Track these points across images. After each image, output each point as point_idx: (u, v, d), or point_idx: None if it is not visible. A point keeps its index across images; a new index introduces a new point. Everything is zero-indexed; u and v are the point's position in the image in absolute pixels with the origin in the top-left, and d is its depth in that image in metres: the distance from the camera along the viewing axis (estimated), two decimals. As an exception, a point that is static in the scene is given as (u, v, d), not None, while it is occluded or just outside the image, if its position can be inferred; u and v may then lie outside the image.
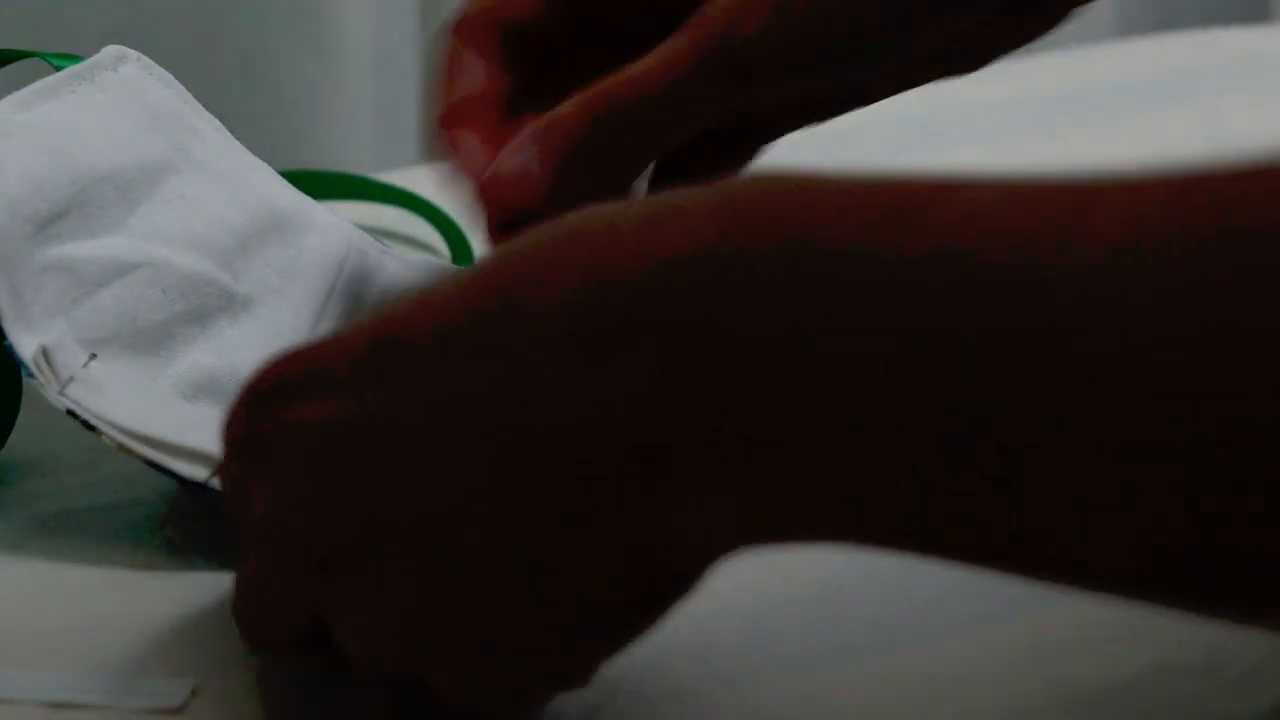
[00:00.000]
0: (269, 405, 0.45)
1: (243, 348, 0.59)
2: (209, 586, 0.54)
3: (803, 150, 0.58)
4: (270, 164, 0.65)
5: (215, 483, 0.53)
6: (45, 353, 0.56)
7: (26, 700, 0.49)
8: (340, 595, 0.44)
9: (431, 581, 0.42)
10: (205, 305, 0.60)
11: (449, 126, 0.57)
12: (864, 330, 0.37)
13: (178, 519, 0.58)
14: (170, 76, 0.64)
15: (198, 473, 0.54)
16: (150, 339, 0.58)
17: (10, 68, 0.64)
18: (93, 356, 0.57)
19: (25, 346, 0.56)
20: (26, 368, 0.56)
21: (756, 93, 0.55)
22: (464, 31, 0.58)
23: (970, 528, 0.37)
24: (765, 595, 0.53)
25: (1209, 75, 1.02)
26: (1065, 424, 0.35)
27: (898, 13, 0.56)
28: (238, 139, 0.65)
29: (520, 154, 0.55)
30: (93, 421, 0.55)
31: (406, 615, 0.43)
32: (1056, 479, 0.36)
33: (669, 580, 0.42)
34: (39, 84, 0.60)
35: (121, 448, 0.55)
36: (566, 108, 0.55)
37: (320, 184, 0.74)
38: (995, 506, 0.37)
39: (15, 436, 0.61)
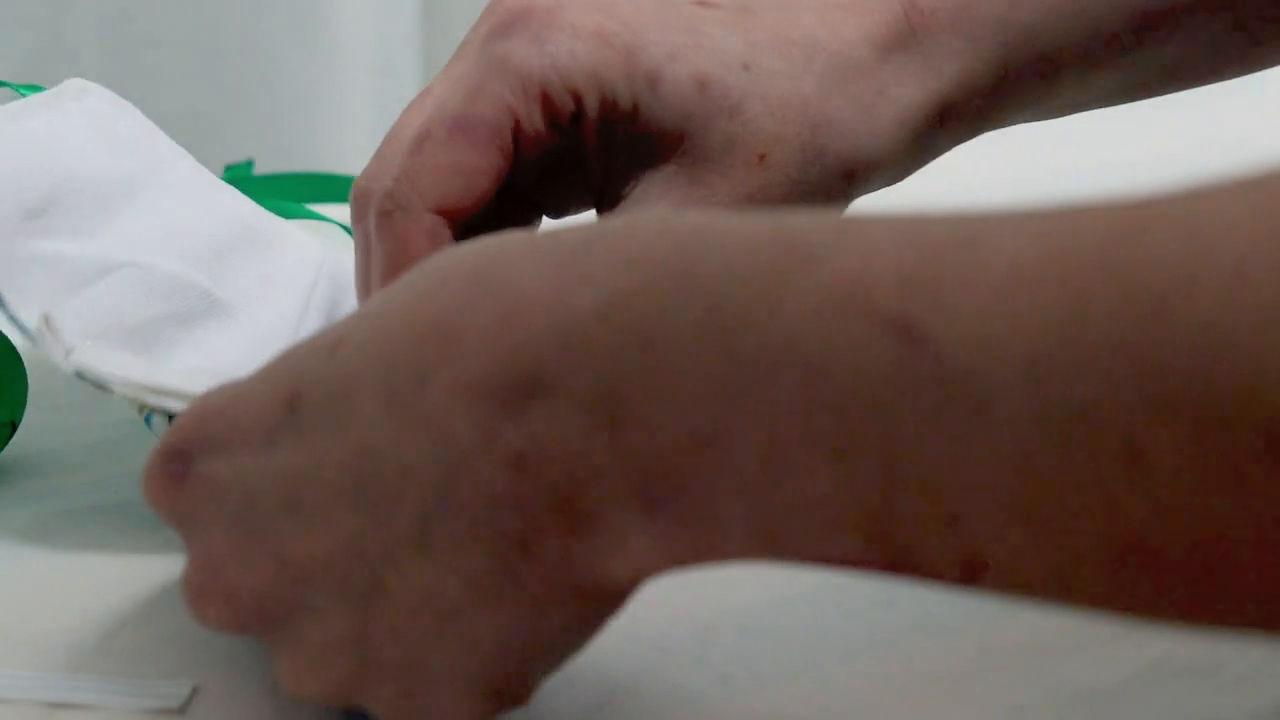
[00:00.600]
0: (187, 462, 0.45)
1: (228, 351, 0.60)
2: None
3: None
4: (270, 164, 0.65)
5: None
6: (48, 320, 0.56)
7: (26, 700, 0.49)
8: (277, 639, 0.44)
9: (365, 625, 0.43)
10: (190, 308, 0.60)
11: None
12: (774, 380, 0.38)
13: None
14: (134, 109, 0.64)
15: None
16: (140, 339, 0.58)
17: None
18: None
19: (27, 319, 0.56)
20: (28, 334, 0.56)
21: None
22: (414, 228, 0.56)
23: (890, 552, 0.38)
24: (764, 595, 0.53)
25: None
26: (968, 458, 0.36)
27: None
28: (238, 139, 0.65)
29: None
30: (106, 379, 0.55)
31: (342, 655, 0.43)
32: (968, 510, 0.36)
33: (602, 602, 0.42)
34: (8, 106, 0.61)
35: (137, 402, 0.55)
36: None
37: (320, 184, 0.74)
38: (917, 535, 0.37)
39: (17, 436, 0.61)
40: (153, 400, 0.54)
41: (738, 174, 0.55)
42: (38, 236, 0.58)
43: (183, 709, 0.49)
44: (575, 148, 0.58)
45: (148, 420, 0.56)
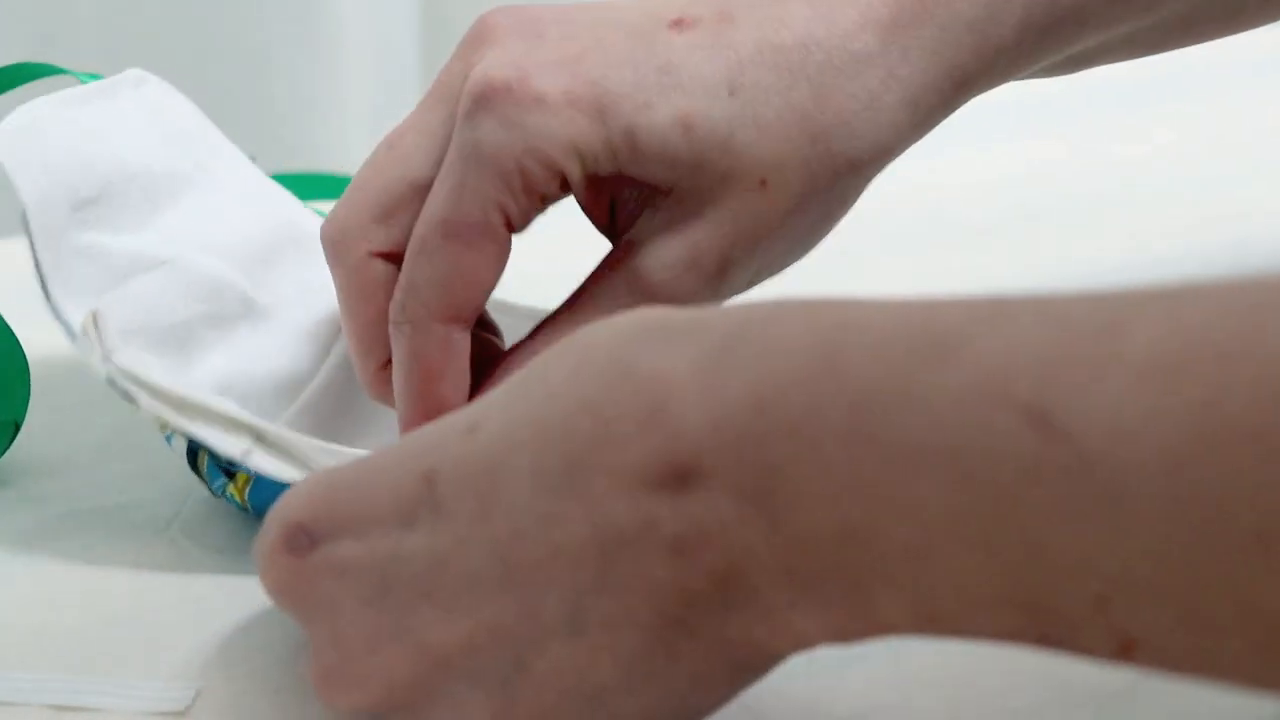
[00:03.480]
0: (314, 541, 0.44)
1: (260, 356, 0.59)
2: (214, 589, 0.54)
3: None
4: (270, 164, 0.65)
5: (254, 459, 0.53)
6: (95, 319, 0.55)
7: (30, 702, 0.49)
8: None
9: (507, 709, 0.42)
10: (226, 310, 0.60)
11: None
12: (919, 472, 0.38)
13: (182, 521, 0.58)
14: (189, 101, 0.64)
15: (238, 444, 0.54)
16: (175, 338, 0.58)
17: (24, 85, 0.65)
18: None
19: (71, 312, 0.56)
20: (70, 331, 0.55)
21: None
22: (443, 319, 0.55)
23: (1045, 631, 0.38)
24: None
25: (1211, 75, 1.02)
26: (1110, 544, 0.36)
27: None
28: (238, 139, 0.65)
29: None
30: (133, 391, 0.54)
31: None
32: (1113, 593, 0.37)
33: (756, 672, 0.43)
34: (66, 93, 0.61)
35: (160, 421, 0.54)
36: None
37: (320, 184, 0.74)
38: (1067, 616, 0.38)
39: (20, 438, 0.61)
40: (174, 420, 0.54)
41: (740, 202, 0.54)
42: (85, 228, 0.58)
43: (186, 712, 0.49)
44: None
45: (168, 439, 0.56)
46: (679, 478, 0.41)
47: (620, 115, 0.54)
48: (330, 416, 0.60)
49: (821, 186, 0.55)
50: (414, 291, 0.54)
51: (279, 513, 0.45)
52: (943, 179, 0.88)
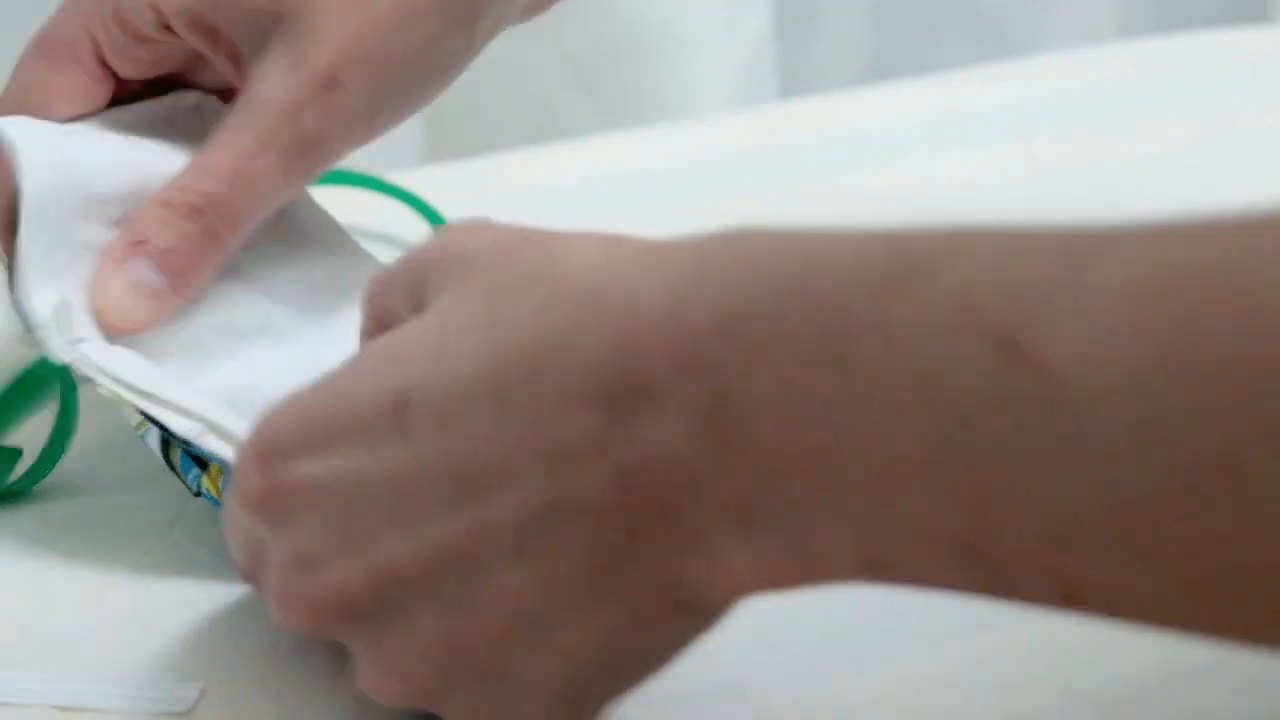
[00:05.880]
0: (285, 460, 0.45)
1: (275, 373, 0.59)
2: (216, 590, 0.54)
3: (805, 154, 0.58)
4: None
5: (208, 440, 0.54)
6: (64, 307, 0.55)
7: (33, 704, 0.49)
8: (361, 641, 0.44)
9: (454, 628, 0.43)
10: (240, 322, 0.59)
11: None
12: (887, 396, 0.38)
13: (185, 522, 0.58)
14: None
15: (188, 426, 0.54)
16: (187, 348, 0.58)
17: None
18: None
19: (39, 301, 0.56)
20: (28, 320, 0.56)
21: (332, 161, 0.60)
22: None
23: (988, 575, 0.38)
24: (770, 600, 0.53)
25: (1210, 75, 1.02)
26: (1067, 477, 0.36)
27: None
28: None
29: (135, 280, 0.57)
30: (91, 373, 0.55)
31: (426, 660, 0.43)
32: (1065, 531, 0.36)
33: (695, 619, 0.43)
34: (116, 110, 0.61)
35: (116, 397, 0.55)
36: (156, 228, 0.57)
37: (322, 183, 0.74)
38: (1014, 557, 0.37)
39: (22, 439, 0.60)
40: (137, 402, 0.54)
41: (342, 27, 0.57)
42: (96, 225, 0.58)
43: (190, 713, 0.49)
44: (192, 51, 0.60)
45: (143, 436, 0.56)
46: (633, 398, 0.40)
47: None
48: None
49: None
50: (12, 99, 0.59)
51: (255, 432, 0.46)
52: (942, 181, 0.88)
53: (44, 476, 0.59)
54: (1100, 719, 0.49)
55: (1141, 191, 0.86)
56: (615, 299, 0.41)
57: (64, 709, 0.49)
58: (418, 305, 0.46)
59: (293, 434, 0.45)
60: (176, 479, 0.57)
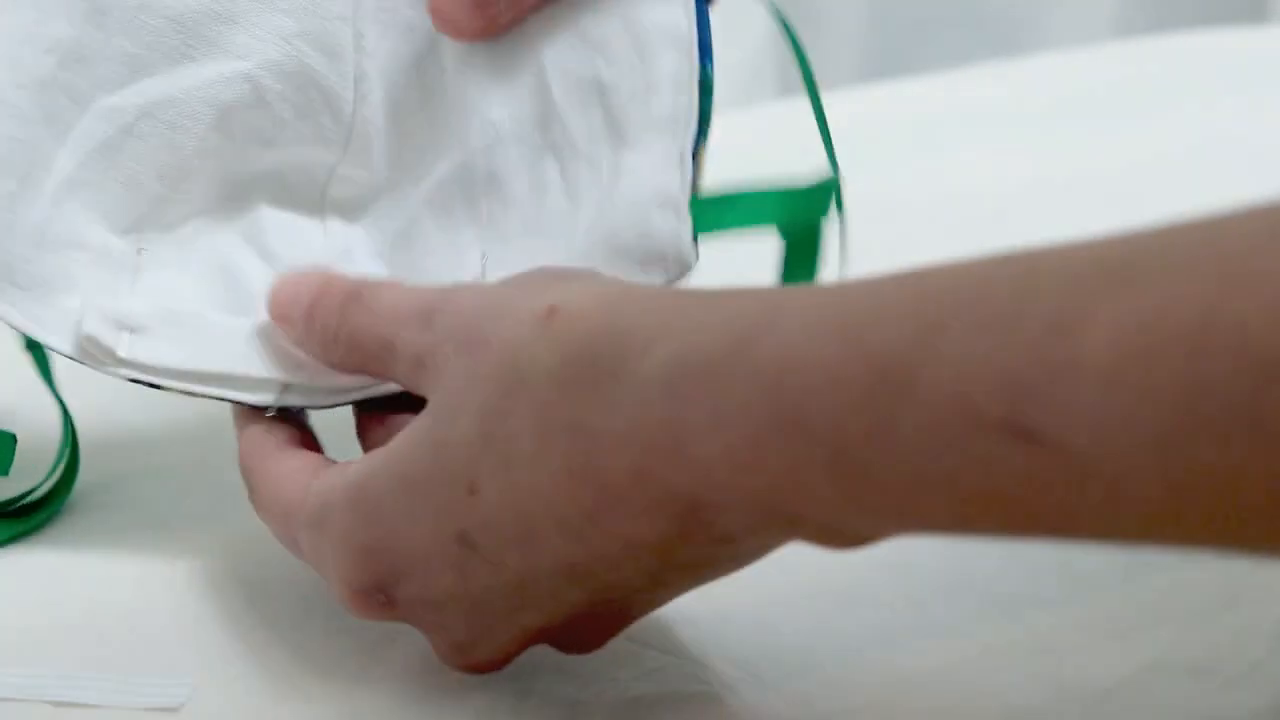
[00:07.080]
0: (392, 597, 0.47)
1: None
2: (210, 585, 0.54)
3: (805, 154, 0.58)
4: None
5: (289, 397, 0.54)
6: (90, 340, 0.55)
7: (27, 699, 0.49)
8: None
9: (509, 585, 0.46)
10: (242, 302, 0.59)
11: None
12: (926, 497, 0.38)
13: (180, 518, 0.58)
14: None
15: (265, 399, 0.54)
16: (188, 325, 0.57)
17: None
18: (130, 331, 0.56)
19: (64, 344, 0.55)
20: (49, 344, 0.55)
21: None
22: None
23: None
24: (766, 597, 0.53)
25: (1208, 76, 1.02)
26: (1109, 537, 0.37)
27: None
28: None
29: None
30: (156, 381, 0.54)
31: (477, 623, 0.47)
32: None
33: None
34: None
35: (188, 394, 0.55)
36: None
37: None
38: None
39: (21, 438, 0.61)
40: (200, 391, 0.54)
41: None
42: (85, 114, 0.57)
43: (183, 708, 0.49)
44: None
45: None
46: (686, 513, 0.42)
47: None
48: None
49: None
50: None
51: (344, 585, 0.47)
52: (942, 180, 0.89)
53: (57, 510, 0.59)
54: (1091, 715, 0.49)
55: (1139, 190, 0.86)
56: (589, 425, 0.43)
57: (58, 704, 0.49)
58: (420, 381, 0.48)
59: (381, 575, 0.47)
60: (174, 475, 0.57)
